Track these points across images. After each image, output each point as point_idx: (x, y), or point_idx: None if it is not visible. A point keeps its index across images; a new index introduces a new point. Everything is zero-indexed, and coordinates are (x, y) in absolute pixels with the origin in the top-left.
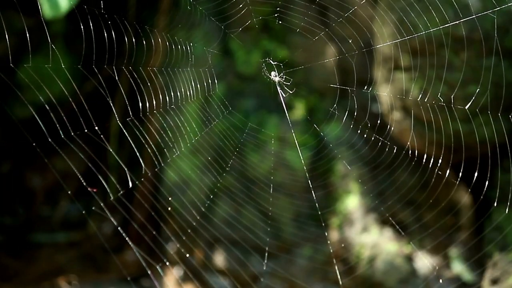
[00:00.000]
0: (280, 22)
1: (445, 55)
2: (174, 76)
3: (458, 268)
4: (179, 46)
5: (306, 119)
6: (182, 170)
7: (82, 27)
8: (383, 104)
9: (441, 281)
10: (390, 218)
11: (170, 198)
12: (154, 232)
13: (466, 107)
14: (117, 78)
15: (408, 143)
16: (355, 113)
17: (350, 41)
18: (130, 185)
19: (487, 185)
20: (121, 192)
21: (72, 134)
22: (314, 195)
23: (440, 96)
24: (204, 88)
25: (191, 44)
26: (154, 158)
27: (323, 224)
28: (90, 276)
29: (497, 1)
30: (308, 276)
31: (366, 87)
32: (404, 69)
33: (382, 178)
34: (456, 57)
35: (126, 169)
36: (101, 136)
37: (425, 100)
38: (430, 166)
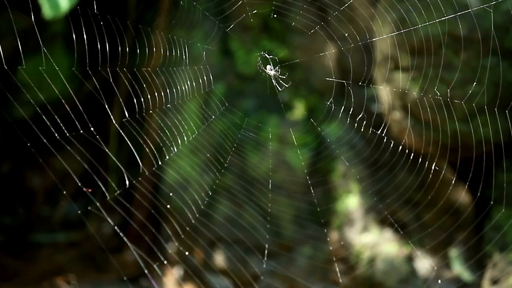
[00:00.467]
0: (275, 16)
1: (446, 54)
2: (172, 75)
3: (458, 268)
4: (178, 46)
5: (306, 119)
6: (181, 168)
7: (82, 27)
8: (383, 103)
9: (439, 281)
10: (389, 217)
11: (171, 194)
12: (153, 231)
13: (466, 107)
14: (117, 78)
15: (406, 141)
16: (351, 111)
17: (346, 35)
18: (127, 184)
19: (487, 184)
20: (118, 191)
21: (67, 135)
22: (313, 195)
23: (440, 95)
24: (200, 86)
25: (189, 41)
26: (152, 158)
27: (323, 224)
28: (90, 276)
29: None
30: (308, 275)
31: (365, 86)
32: (403, 68)
33: (382, 178)
34: (456, 57)
35: (123, 168)
36: (97, 136)
37: (425, 100)
38: (433, 167)
